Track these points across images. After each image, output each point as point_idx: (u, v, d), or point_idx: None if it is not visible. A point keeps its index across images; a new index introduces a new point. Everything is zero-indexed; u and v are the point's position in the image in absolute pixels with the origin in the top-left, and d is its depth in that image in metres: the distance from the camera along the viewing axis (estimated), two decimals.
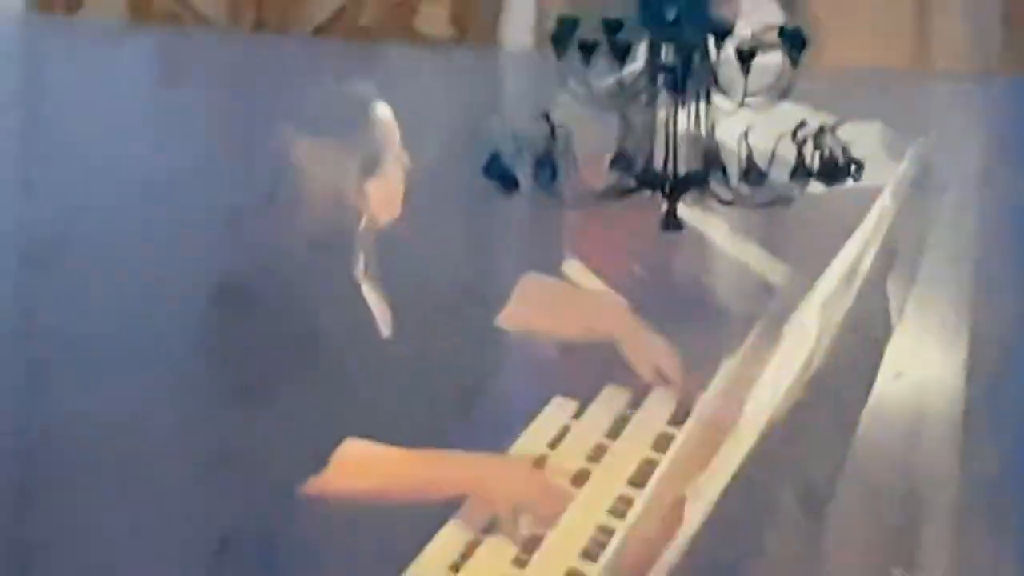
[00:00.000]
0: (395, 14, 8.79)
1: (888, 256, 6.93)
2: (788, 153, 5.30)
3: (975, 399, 7.69)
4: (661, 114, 5.40)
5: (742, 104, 5.14)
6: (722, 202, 5.08)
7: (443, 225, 7.13)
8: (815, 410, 5.94)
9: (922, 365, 7.67)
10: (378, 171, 5.82)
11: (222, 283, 5.89)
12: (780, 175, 5.31)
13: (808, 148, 5.41)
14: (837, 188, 5.43)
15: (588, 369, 6.77)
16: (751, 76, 5.08)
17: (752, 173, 4.78)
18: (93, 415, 7.93)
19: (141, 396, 7.88)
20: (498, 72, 8.98)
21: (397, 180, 5.95)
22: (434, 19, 8.95)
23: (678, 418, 6.38)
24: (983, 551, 7.02)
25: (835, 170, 4.83)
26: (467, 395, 6.40)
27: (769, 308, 6.90)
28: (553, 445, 6.29)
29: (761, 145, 5.43)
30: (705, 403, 6.07)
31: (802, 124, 5.07)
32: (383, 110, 5.98)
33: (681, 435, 6.07)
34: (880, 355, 6.80)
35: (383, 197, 5.88)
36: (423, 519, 5.80)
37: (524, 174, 5.29)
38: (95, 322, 8.62)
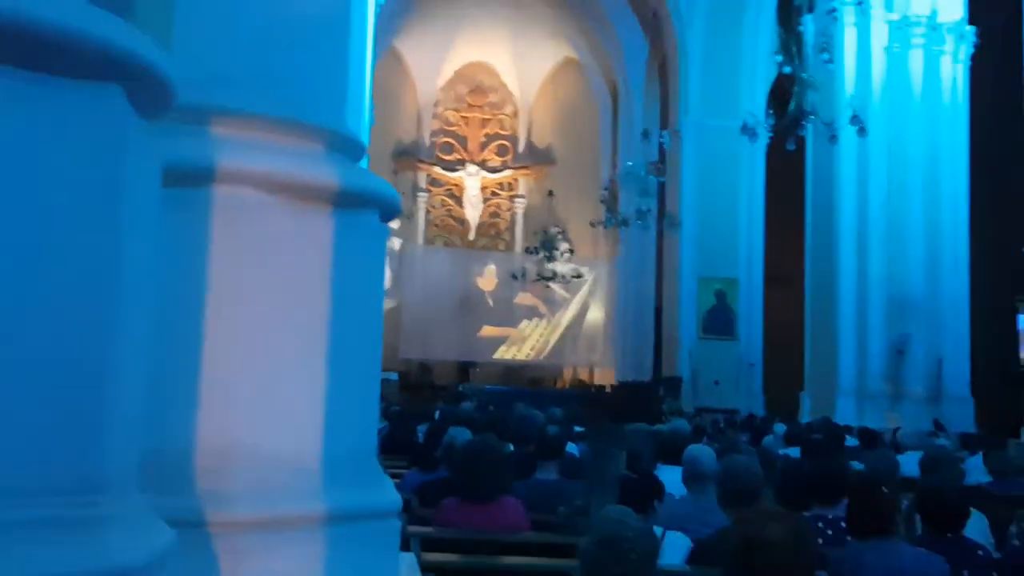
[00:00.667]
0: (494, 239, 35.40)
1: (590, 294, 33.07)
2: (568, 272, 31.78)
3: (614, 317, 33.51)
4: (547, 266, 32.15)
5: (561, 263, 32.28)
6: (559, 284, 31.20)
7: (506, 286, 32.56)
8: (575, 326, 32.03)
9: (591, 315, 33.56)
10: (484, 275, 31.35)
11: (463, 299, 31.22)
12: (567, 277, 31.38)
13: (573, 272, 31.28)
14: (578, 280, 31.99)
15: (529, 313, 32.54)
16: (566, 261, 31.96)
17: (564, 278, 30.66)
18: None
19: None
20: (514, 258, 34.81)
21: (492, 280, 31.49)
22: (502, 244, 35.15)
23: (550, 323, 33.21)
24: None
25: (577, 277, 30.57)
26: (506, 315, 32.03)
27: (564, 304, 33.62)
28: (524, 328, 32.08)
29: (569, 271, 31.50)
30: (554, 317, 32.27)
31: (575, 268, 31.06)
32: (489, 266, 31.63)
33: (551, 326, 32.10)
34: (586, 310, 32.68)
35: (487, 283, 31.25)
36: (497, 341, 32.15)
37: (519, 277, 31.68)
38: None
